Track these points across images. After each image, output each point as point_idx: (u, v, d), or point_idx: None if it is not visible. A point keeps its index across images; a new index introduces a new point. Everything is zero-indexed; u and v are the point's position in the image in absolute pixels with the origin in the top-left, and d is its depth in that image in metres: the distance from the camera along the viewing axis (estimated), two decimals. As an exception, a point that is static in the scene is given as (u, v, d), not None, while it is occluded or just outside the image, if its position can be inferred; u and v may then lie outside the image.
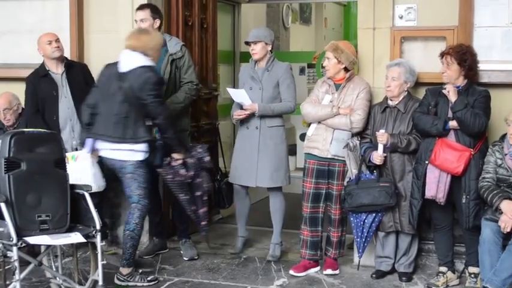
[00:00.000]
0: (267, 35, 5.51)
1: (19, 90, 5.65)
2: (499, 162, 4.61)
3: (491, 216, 4.54)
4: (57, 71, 5.52)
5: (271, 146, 5.49)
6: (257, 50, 5.45)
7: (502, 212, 4.44)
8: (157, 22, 5.48)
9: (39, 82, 5.51)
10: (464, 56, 4.74)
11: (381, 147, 4.93)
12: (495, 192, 4.52)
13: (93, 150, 4.96)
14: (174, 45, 5.55)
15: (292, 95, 5.48)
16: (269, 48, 5.49)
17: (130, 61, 4.88)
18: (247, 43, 5.52)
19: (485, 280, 4.41)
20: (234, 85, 8.27)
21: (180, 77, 5.54)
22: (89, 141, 4.96)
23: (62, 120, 5.48)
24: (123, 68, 4.89)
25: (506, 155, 4.59)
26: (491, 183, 4.58)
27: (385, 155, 4.95)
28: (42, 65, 5.56)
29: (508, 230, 4.41)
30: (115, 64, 4.95)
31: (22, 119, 5.55)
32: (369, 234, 5.08)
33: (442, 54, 4.82)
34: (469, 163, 4.68)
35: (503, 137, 4.69)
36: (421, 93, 5.08)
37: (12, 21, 6.26)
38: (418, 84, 5.13)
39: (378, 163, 4.96)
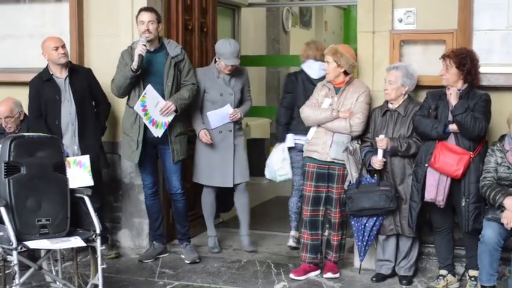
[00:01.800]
0: (239, 50, 5.78)
1: (20, 95, 5.65)
2: (500, 160, 4.60)
3: (493, 215, 4.54)
4: (61, 75, 5.51)
5: (241, 145, 5.87)
6: (234, 67, 5.74)
7: (504, 209, 4.44)
8: (160, 26, 5.49)
9: (42, 86, 5.49)
10: (463, 60, 4.74)
11: (380, 152, 4.93)
12: (497, 189, 4.51)
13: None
14: (174, 48, 5.54)
15: (250, 94, 6.01)
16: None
17: (319, 70, 5.69)
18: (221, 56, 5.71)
19: None
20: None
21: (181, 79, 5.55)
22: (290, 136, 5.86)
23: (64, 124, 5.47)
24: (315, 75, 5.76)
25: (507, 151, 4.59)
26: (492, 182, 4.58)
27: (384, 160, 4.95)
28: (46, 69, 5.54)
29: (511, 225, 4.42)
30: (300, 73, 5.91)
31: (24, 125, 5.53)
32: (370, 238, 5.08)
33: (443, 57, 4.83)
34: (469, 166, 4.68)
35: (503, 137, 4.69)
36: (421, 96, 5.08)
37: (12, 26, 6.27)
38: (417, 87, 5.13)
39: (377, 168, 4.96)
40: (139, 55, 5.28)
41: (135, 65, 5.29)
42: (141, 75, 5.40)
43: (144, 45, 5.32)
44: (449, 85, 4.79)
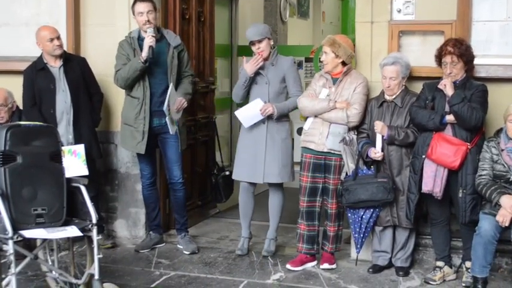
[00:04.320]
0: (268, 30, 5.43)
1: (16, 84, 5.62)
2: (495, 158, 4.60)
3: (490, 210, 4.54)
4: (55, 64, 5.48)
5: (278, 141, 5.41)
6: (263, 47, 5.34)
7: (500, 207, 4.44)
8: (157, 14, 5.46)
9: (36, 75, 5.47)
10: (466, 52, 4.74)
11: (379, 140, 4.92)
12: (493, 188, 4.51)
13: None
14: (174, 38, 5.51)
15: (300, 89, 5.44)
16: (272, 42, 5.43)
17: None
18: (252, 43, 5.38)
19: None
20: (232, 79, 8.26)
21: (181, 70, 5.52)
22: None
23: (58, 113, 5.46)
24: None
25: (503, 150, 4.58)
26: (488, 180, 4.58)
27: (382, 153, 4.93)
28: (40, 58, 5.52)
29: (507, 224, 4.42)
30: None
31: (15, 117, 5.50)
32: (366, 230, 5.07)
33: (440, 55, 4.79)
34: (466, 157, 4.68)
35: (498, 132, 4.69)
36: (418, 87, 5.06)
37: (8, 14, 6.22)
38: (415, 78, 5.12)
39: (376, 158, 4.93)
40: (150, 46, 5.24)
41: (144, 55, 5.25)
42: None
43: (154, 36, 5.27)
44: (455, 79, 4.76)
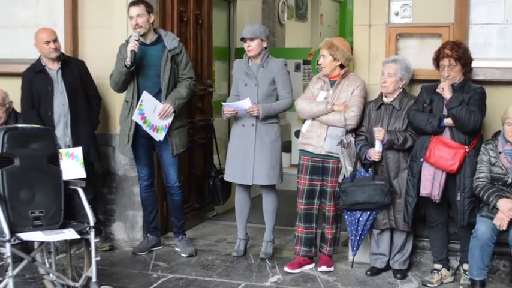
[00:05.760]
0: (263, 31, 5.44)
1: (14, 86, 5.60)
2: (493, 160, 4.60)
3: (487, 213, 4.54)
4: (53, 67, 5.48)
5: (267, 143, 5.42)
6: (253, 47, 5.37)
7: (498, 210, 4.45)
8: (152, 17, 5.45)
9: (34, 78, 5.48)
10: (464, 55, 4.74)
11: (378, 143, 4.92)
12: (491, 191, 4.52)
13: None
14: (172, 40, 5.49)
15: (289, 91, 5.43)
16: (264, 44, 5.43)
17: None
18: (243, 39, 5.42)
19: None
20: (229, 81, 8.26)
21: (178, 73, 5.51)
22: None
23: (56, 116, 5.45)
24: None
25: (500, 153, 4.59)
26: (486, 182, 4.58)
27: (380, 153, 4.93)
28: (38, 61, 5.52)
29: (504, 228, 4.42)
30: None
31: (12, 119, 5.48)
32: (363, 232, 5.07)
33: (438, 58, 4.79)
34: (464, 161, 4.68)
35: (496, 134, 4.69)
36: (417, 90, 5.07)
37: (6, 16, 6.22)
38: (413, 81, 5.12)
39: (376, 159, 4.94)
40: (132, 51, 5.24)
41: (128, 60, 5.25)
42: (138, 69, 5.36)
43: (137, 40, 5.27)
44: (453, 82, 4.77)
